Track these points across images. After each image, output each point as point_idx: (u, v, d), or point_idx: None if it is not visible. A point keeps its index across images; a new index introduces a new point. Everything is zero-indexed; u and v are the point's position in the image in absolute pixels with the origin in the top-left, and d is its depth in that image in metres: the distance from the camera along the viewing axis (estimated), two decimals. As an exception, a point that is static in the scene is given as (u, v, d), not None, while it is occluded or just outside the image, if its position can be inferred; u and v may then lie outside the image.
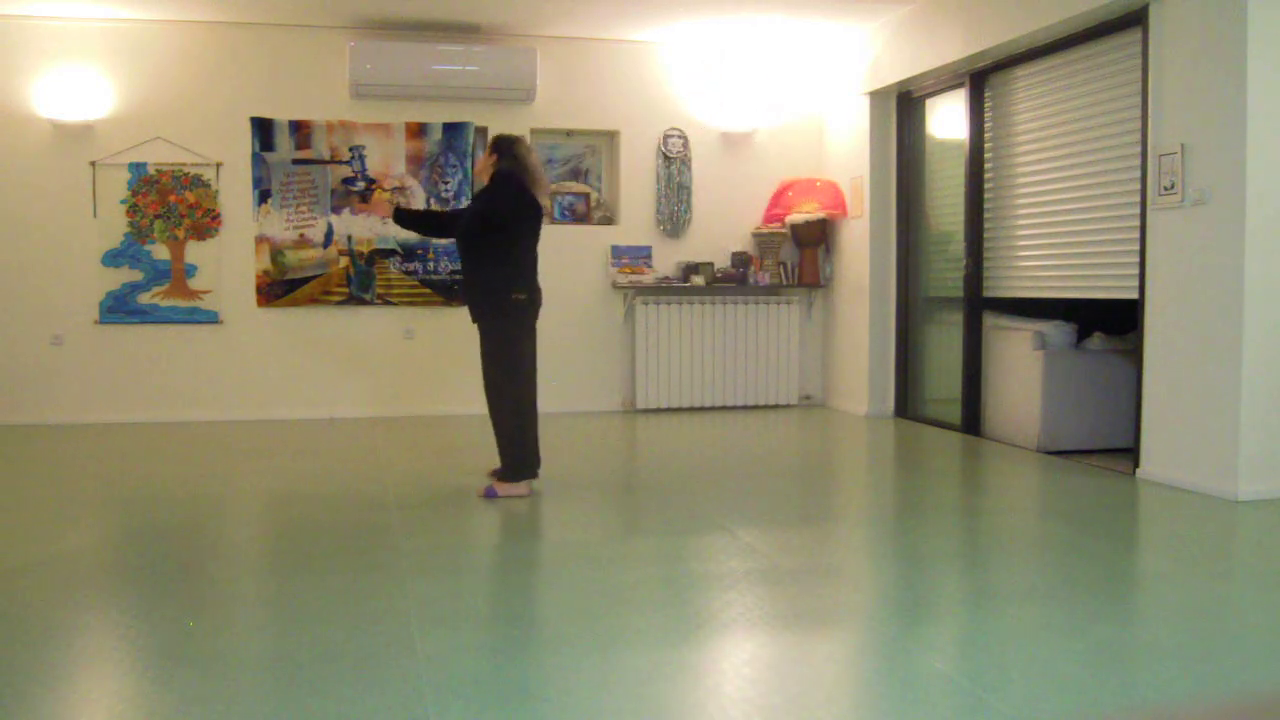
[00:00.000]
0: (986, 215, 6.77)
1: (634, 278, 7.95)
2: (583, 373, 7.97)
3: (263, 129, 7.46)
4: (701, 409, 8.08)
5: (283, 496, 5.24)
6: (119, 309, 7.37)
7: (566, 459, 6.21)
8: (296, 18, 7.32)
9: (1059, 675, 2.76)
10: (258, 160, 7.47)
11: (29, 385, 7.30)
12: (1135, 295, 5.40)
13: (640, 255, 8.02)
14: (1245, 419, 4.76)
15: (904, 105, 7.57)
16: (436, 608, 3.40)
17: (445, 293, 7.70)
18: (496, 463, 5.05)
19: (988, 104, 6.75)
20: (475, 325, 4.94)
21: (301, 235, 7.55)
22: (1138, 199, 5.37)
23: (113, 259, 7.34)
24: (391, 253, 7.67)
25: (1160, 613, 3.43)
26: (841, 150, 8.06)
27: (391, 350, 7.77)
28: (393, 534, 4.34)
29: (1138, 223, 5.36)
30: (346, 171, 7.58)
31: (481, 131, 7.82)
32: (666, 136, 8.04)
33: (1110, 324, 6.44)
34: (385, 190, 7.60)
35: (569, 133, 8.12)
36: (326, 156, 7.56)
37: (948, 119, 7.21)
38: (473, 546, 4.32)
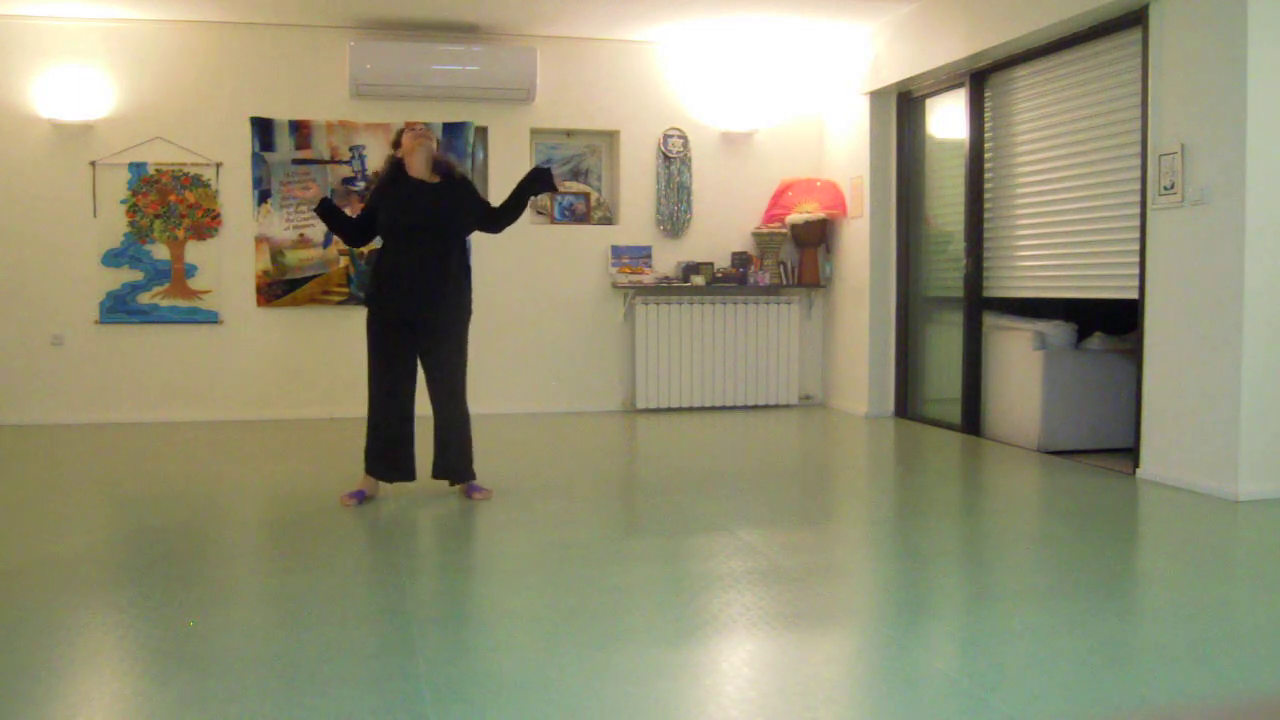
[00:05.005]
0: (986, 215, 6.77)
1: (634, 278, 7.94)
2: (583, 373, 7.98)
3: (263, 129, 7.46)
4: (701, 409, 8.08)
5: (283, 496, 5.24)
6: (119, 309, 7.37)
7: (566, 459, 6.21)
8: (296, 18, 7.32)
9: (1059, 675, 2.76)
10: (258, 160, 7.47)
11: (29, 385, 7.31)
12: (1135, 295, 5.41)
13: (640, 255, 8.02)
14: (1245, 419, 4.76)
15: (904, 105, 7.56)
16: (436, 608, 3.40)
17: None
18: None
19: (988, 104, 6.75)
20: (432, 338, 4.71)
21: (301, 235, 7.55)
22: (1138, 199, 5.37)
23: (113, 259, 7.34)
24: (391, 253, 7.66)
25: (1160, 613, 3.43)
26: (841, 150, 8.06)
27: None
28: (392, 533, 4.34)
29: (1138, 223, 5.37)
30: (347, 171, 7.58)
31: (481, 131, 7.83)
32: (666, 136, 8.04)
33: (1110, 324, 6.44)
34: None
35: (569, 133, 8.12)
36: (326, 156, 7.56)
37: (948, 119, 7.21)
38: (472, 545, 4.32)
